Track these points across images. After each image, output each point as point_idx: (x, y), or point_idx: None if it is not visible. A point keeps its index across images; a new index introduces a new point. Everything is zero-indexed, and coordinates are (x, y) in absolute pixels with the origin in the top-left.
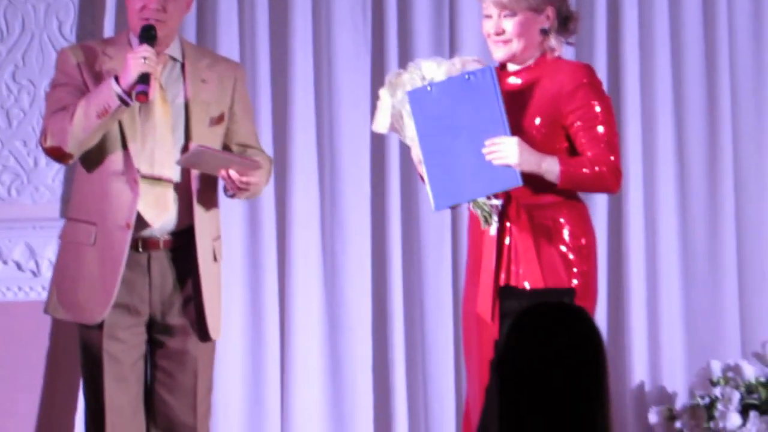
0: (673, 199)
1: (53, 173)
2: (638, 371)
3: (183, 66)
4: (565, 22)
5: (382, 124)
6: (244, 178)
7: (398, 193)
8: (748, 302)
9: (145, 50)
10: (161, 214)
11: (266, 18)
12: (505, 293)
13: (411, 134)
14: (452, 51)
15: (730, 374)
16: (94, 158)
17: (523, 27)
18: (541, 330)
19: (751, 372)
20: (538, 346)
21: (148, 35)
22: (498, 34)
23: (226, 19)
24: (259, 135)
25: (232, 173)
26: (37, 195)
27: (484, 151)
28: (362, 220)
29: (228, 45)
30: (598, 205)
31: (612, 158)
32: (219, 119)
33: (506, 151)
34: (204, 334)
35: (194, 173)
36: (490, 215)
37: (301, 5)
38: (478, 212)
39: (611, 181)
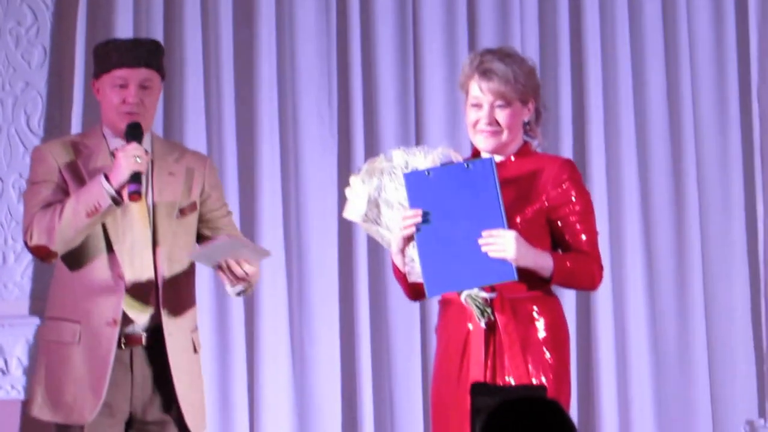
0: (641, 295)
1: (22, 270)
2: None
3: (152, 162)
4: (538, 114)
5: (355, 212)
6: (246, 268)
7: (366, 286)
8: (717, 393)
9: (136, 148)
10: (145, 310)
11: (233, 113)
12: (477, 390)
13: (386, 222)
14: (417, 133)
15: None
16: (77, 256)
17: (513, 118)
18: (515, 425)
19: None
20: None
21: (136, 132)
22: (490, 123)
23: (193, 109)
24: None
25: (231, 264)
26: (5, 292)
27: (481, 242)
28: (332, 322)
29: (195, 133)
30: (566, 296)
31: (597, 255)
32: (191, 208)
33: (504, 245)
34: (183, 430)
35: (161, 270)
36: (485, 309)
37: (267, 94)
38: (472, 306)
39: (597, 278)
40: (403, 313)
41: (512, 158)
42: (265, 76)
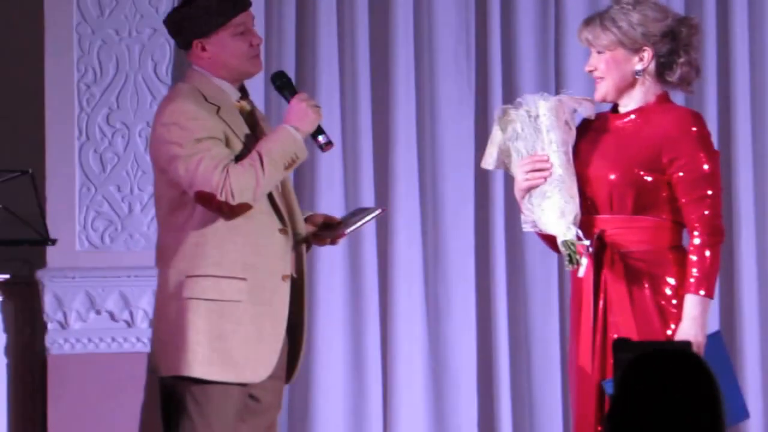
0: None
1: (148, 220)
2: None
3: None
4: (670, 67)
5: (487, 161)
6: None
7: (503, 241)
8: None
9: (311, 98)
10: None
11: (368, 65)
12: (618, 346)
13: (515, 170)
14: (557, 86)
15: None
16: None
17: (611, 65)
18: (659, 377)
19: None
20: (654, 392)
21: (290, 81)
22: (591, 71)
23: (327, 64)
24: (363, 183)
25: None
26: (131, 242)
27: None
28: (467, 268)
29: (328, 88)
30: None
31: (716, 222)
32: None
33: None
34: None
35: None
36: (575, 255)
37: (404, 50)
38: (564, 251)
39: (719, 248)
40: (541, 266)
41: (638, 109)
42: (401, 27)
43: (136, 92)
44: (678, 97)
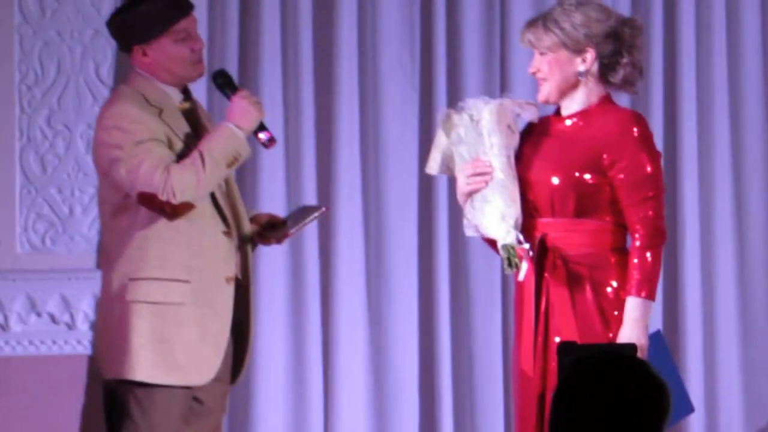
0: (731, 254)
1: (89, 222)
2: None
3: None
4: (613, 68)
5: (430, 166)
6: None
7: (446, 244)
8: None
9: (252, 94)
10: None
11: (311, 63)
12: (563, 349)
13: (458, 175)
14: (502, 88)
15: None
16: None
17: (553, 66)
18: (602, 380)
19: None
20: (597, 395)
21: (231, 79)
22: (534, 73)
23: (269, 64)
24: (305, 183)
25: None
26: (72, 244)
27: None
28: (410, 271)
29: (271, 87)
30: None
31: (658, 224)
32: None
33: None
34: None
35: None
36: (513, 258)
37: (347, 49)
38: (503, 254)
39: (660, 250)
40: (484, 270)
41: (580, 111)
42: (345, 28)
43: (78, 94)
44: (623, 99)
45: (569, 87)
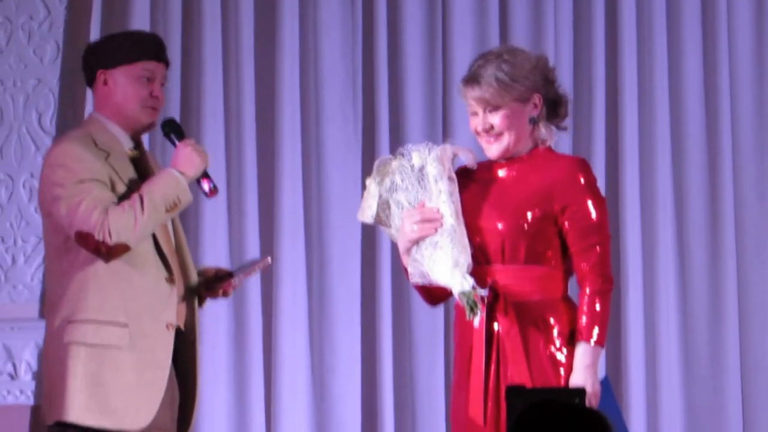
0: (674, 301)
1: (32, 271)
2: None
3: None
4: (554, 107)
5: (367, 214)
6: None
7: (389, 292)
8: (750, 404)
9: (198, 144)
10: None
11: (253, 112)
12: (512, 393)
13: (397, 224)
14: (444, 136)
15: None
16: (126, 257)
17: (510, 119)
18: (552, 425)
19: None
20: None
21: (178, 127)
22: (487, 130)
23: (211, 110)
24: (246, 231)
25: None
26: (15, 294)
27: None
28: (353, 319)
29: (213, 134)
30: None
31: (605, 270)
32: None
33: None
34: None
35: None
36: (476, 305)
37: (289, 94)
38: (464, 302)
39: (609, 296)
40: (427, 317)
41: (522, 157)
42: (287, 75)
43: (21, 143)
44: (565, 143)
45: (525, 136)
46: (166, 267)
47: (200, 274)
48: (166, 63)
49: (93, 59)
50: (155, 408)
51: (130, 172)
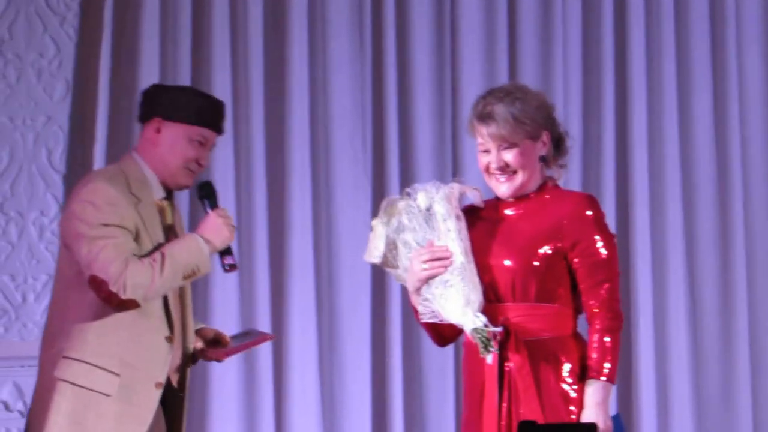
0: (684, 339)
1: (42, 309)
2: None
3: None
4: (558, 144)
5: (374, 255)
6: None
7: (399, 327)
8: (761, 383)
9: (228, 214)
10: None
11: (263, 154)
12: (524, 429)
13: (405, 264)
14: (455, 172)
15: None
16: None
17: (525, 156)
18: None
19: None
20: None
21: (214, 192)
22: (501, 168)
23: (220, 151)
24: (256, 266)
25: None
26: (25, 332)
27: None
28: (363, 356)
29: (222, 174)
30: None
31: (614, 306)
32: None
33: None
34: None
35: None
36: (489, 342)
37: (298, 135)
38: (477, 339)
39: (619, 333)
40: (437, 355)
41: (530, 195)
42: (297, 110)
43: (30, 181)
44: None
45: (535, 174)
46: (169, 326)
47: (198, 332)
48: (222, 132)
49: (156, 104)
50: None
51: (156, 223)
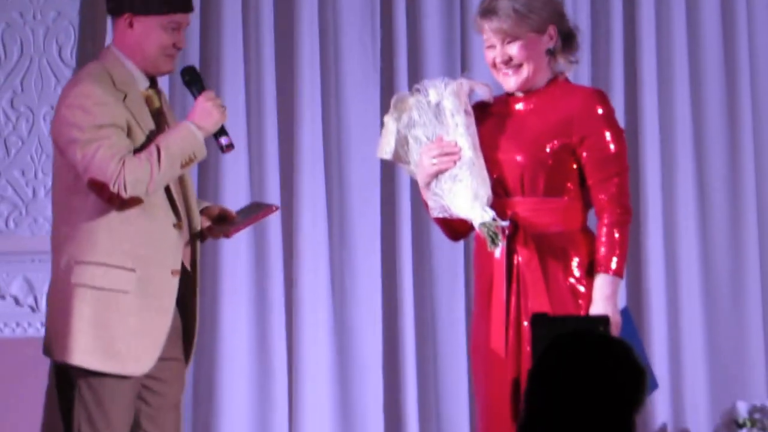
0: (694, 233)
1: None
2: (661, 413)
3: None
4: (568, 39)
5: (385, 151)
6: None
7: (409, 225)
8: None
9: (217, 97)
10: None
11: (272, 42)
12: (536, 322)
13: (415, 159)
14: (463, 70)
15: (756, 415)
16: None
17: (529, 50)
18: (579, 359)
19: None
20: (575, 373)
21: (198, 77)
22: (505, 62)
23: (231, 44)
24: (267, 162)
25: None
26: (35, 227)
27: None
28: (373, 254)
29: (233, 69)
30: None
31: (623, 201)
32: None
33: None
34: None
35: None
36: (497, 236)
37: (308, 28)
38: (485, 232)
39: (627, 227)
40: (447, 252)
41: (540, 89)
42: (306, 11)
43: (41, 76)
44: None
45: (542, 67)
46: (175, 212)
47: (203, 212)
48: (192, 9)
49: None
50: (157, 353)
51: (145, 115)
